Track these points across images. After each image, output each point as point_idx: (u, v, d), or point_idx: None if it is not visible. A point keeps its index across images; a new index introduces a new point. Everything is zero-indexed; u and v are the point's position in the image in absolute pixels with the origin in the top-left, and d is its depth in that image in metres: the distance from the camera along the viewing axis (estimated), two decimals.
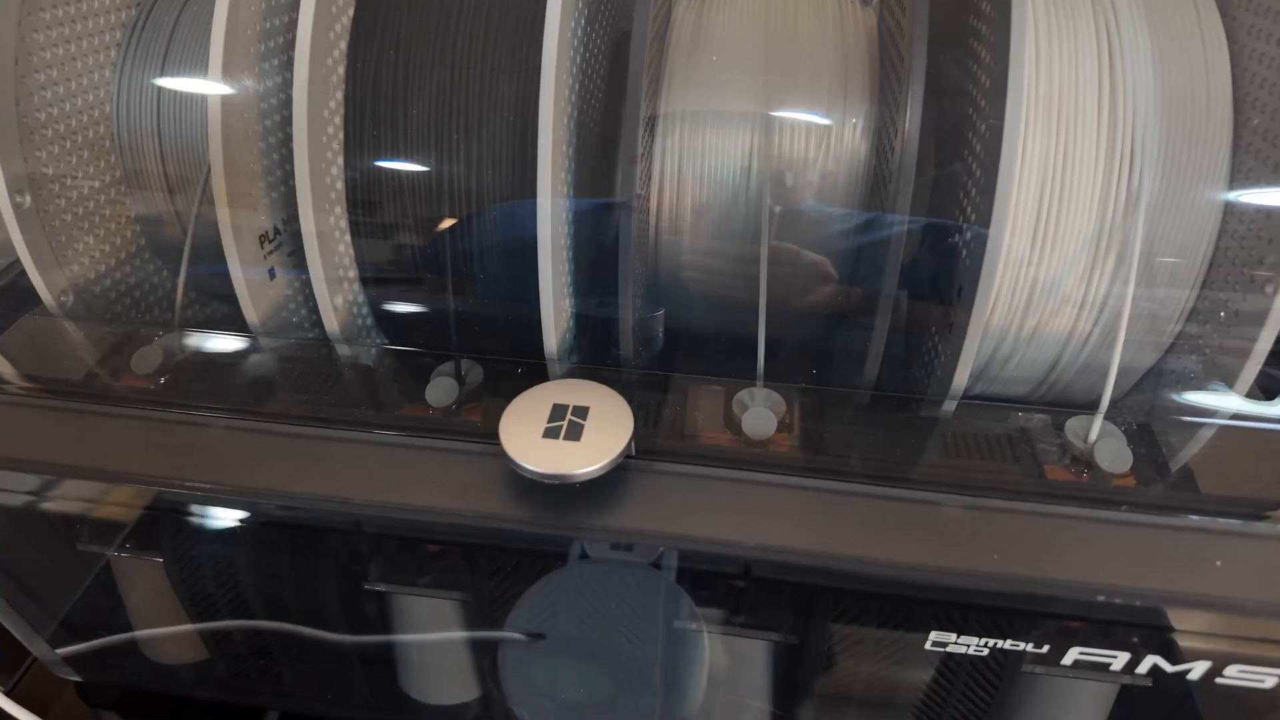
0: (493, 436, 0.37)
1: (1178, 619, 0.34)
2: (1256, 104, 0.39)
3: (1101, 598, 0.33)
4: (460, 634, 0.50)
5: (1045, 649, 0.36)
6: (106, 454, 0.41)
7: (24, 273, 0.48)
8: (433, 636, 0.51)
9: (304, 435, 0.41)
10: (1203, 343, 0.41)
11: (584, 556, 0.43)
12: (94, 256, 0.51)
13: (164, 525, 0.48)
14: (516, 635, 0.48)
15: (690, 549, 0.38)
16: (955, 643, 0.37)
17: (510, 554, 0.44)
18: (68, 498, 0.46)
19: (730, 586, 0.41)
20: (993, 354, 0.43)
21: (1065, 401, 0.45)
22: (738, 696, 0.48)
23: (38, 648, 0.55)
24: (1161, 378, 0.43)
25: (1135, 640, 0.35)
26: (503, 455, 0.36)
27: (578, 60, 0.42)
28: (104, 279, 0.52)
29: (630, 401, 0.38)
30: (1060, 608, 0.35)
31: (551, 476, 0.35)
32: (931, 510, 0.36)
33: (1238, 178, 0.39)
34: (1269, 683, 0.35)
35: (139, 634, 0.56)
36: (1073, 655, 0.36)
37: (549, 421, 0.37)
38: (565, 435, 0.37)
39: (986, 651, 0.37)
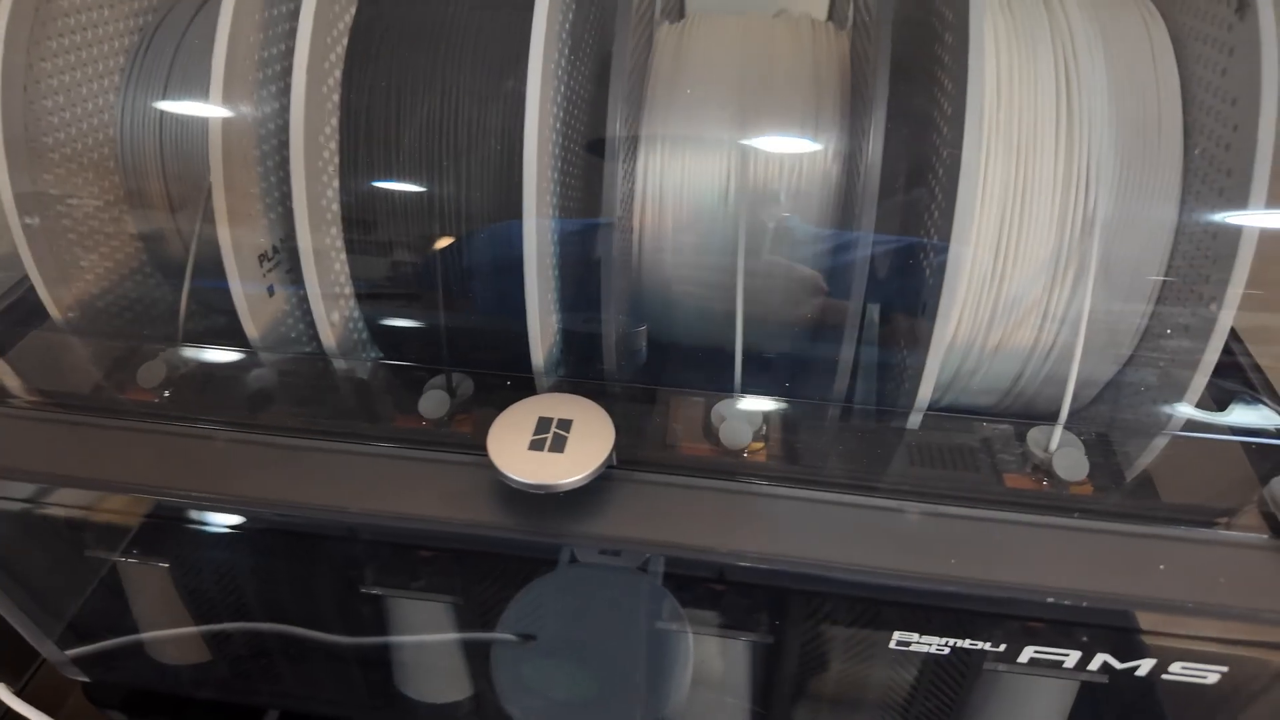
0: (481, 448, 0.38)
1: (1124, 619, 0.36)
2: (1204, 130, 0.41)
3: (1052, 599, 0.35)
4: (452, 636, 0.52)
5: (1003, 648, 0.38)
6: (113, 464, 0.42)
7: (30, 288, 0.49)
8: (427, 638, 0.53)
9: (302, 446, 0.43)
10: (1157, 356, 0.42)
11: (573, 560, 0.45)
12: (98, 273, 0.53)
13: (168, 532, 0.50)
14: (506, 636, 0.50)
15: (667, 554, 0.40)
16: (918, 642, 0.39)
17: (498, 559, 0.46)
18: (76, 506, 0.47)
19: (706, 590, 0.43)
20: (959, 367, 0.45)
21: (1030, 412, 0.47)
22: (715, 695, 0.50)
23: (47, 649, 0.57)
24: (1120, 389, 0.45)
25: (1085, 639, 0.37)
26: (491, 466, 0.38)
27: (561, 89, 0.44)
28: (108, 295, 0.53)
29: (613, 413, 0.40)
30: (1015, 609, 0.37)
31: (536, 486, 0.37)
32: (896, 517, 0.38)
33: (1187, 200, 0.41)
34: (1211, 679, 0.37)
35: (144, 636, 0.58)
36: (1029, 653, 0.38)
37: (534, 434, 0.39)
38: (550, 447, 0.38)
39: (948, 650, 0.39)
